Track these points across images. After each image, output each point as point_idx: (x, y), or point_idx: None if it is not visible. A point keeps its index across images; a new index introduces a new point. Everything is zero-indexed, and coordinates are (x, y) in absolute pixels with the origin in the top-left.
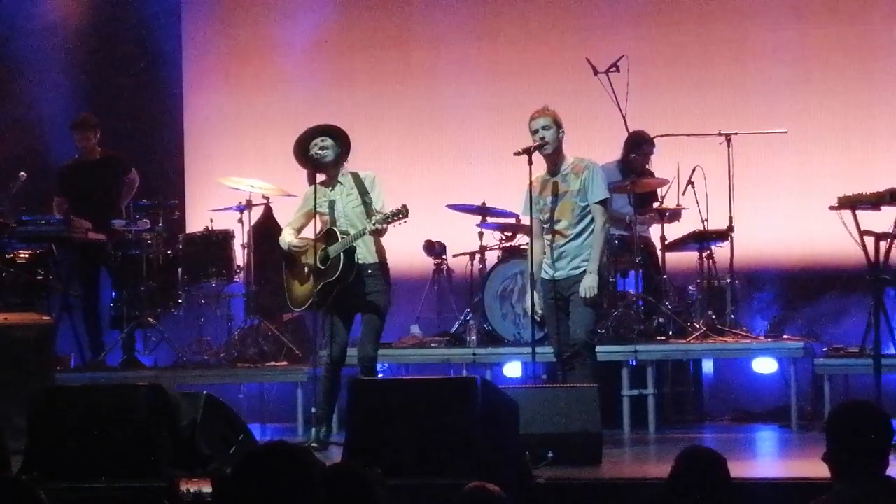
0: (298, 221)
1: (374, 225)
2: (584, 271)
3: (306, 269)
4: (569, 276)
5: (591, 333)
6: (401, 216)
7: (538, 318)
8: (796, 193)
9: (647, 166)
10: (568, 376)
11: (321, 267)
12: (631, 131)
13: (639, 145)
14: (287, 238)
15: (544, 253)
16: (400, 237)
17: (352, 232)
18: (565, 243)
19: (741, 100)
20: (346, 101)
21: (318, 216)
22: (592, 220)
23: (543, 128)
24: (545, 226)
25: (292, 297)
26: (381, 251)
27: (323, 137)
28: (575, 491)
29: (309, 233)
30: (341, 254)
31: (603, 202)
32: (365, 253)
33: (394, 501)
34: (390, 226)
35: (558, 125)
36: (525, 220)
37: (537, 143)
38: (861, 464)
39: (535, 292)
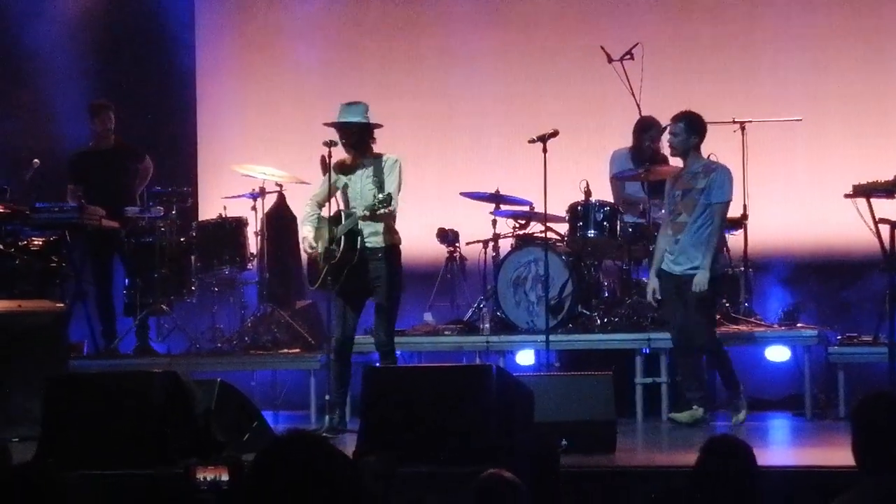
0: (322, 196)
1: (363, 211)
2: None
3: (321, 249)
4: (684, 273)
5: (697, 326)
6: (384, 204)
7: (655, 303)
8: (811, 181)
9: (660, 151)
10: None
11: (331, 248)
12: (639, 117)
13: (647, 130)
14: (303, 230)
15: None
16: (413, 224)
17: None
18: (682, 237)
19: (755, 87)
20: (358, 88)
21: (336, 194)
22: (710, 219)
23: (672, 133)
24: (670, 218)
25: (310, 274)
26: (391, 235)
27: (346, 134)
28: (589, 479)
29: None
30: (342, 236)
31: (723, 204)
32: (373, 237)
33: (405, 489)
34: (388, 210)
35: (690, 131)
36: (539, 209)
37: (551, 131)
38: (889, 456)
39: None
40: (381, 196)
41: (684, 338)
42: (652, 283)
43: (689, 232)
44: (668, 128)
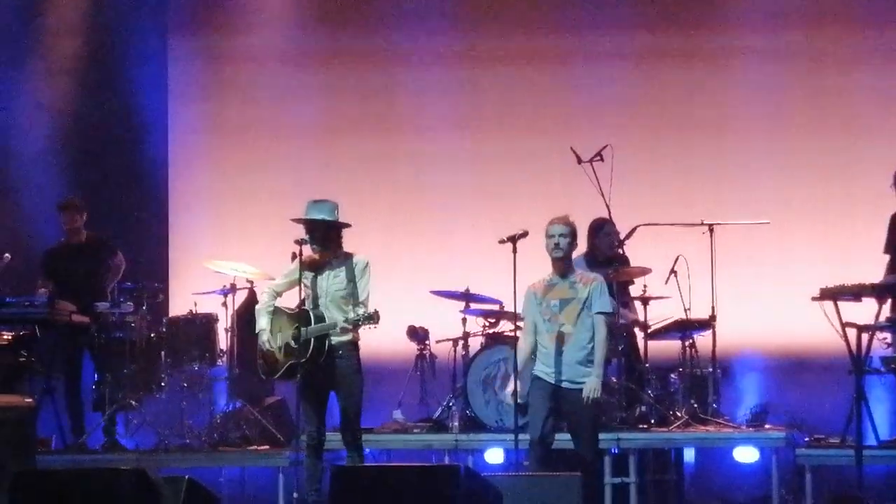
0: (282, 287)
1: (344, 323)
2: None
3: (279, 342)
4: (570, 388)
5: (590, 449)
6: (371, 321)
7: (521, 403)
8: (778, 283)
9: (615, 248)
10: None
11: (294, 345)
12: (593, 220)
13: (599, 228)
14: (262, 321)
15: (534, 352)
16: (383, 322)
17: (326, 315)
18: (567, 349)
19: (723, 189)
20: (331, 185)
21: (301, 288)
22: (594, 329)
23: (561, 235)
24: (547, 330)
25: (266, 364)
26: (354, 332)
27: (310, 230)
28: None
29: (287, 302)
30: (312, 338)
31: (607, 315)
32: (339, 335)
33: None
34: (373, 327)
35: (574, 236)
36: (509, 308)
37: (521, 232)
38: None
39: (518, 380)
40: (366, 313)
41: (546, 449)
42: (524, 388)
43: (575, 344)
44: (554, 228)
